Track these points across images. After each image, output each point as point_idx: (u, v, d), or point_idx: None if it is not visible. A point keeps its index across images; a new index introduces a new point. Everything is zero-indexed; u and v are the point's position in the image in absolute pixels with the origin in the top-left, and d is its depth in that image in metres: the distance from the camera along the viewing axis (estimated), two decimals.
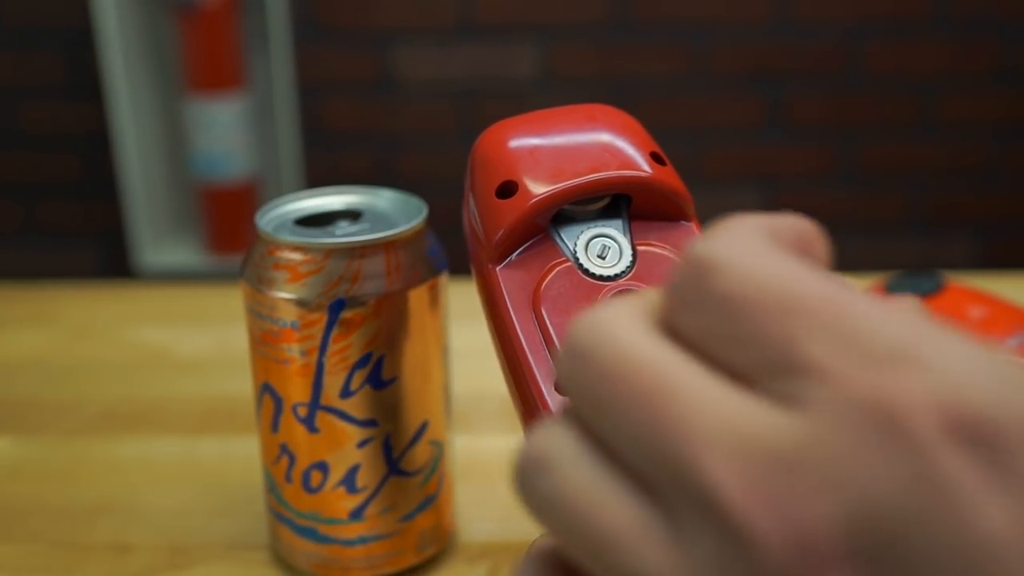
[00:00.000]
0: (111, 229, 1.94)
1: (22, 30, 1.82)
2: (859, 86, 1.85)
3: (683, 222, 0.31)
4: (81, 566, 0.40)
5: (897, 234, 1.93)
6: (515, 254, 0.30)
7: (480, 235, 0.30)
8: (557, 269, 0.30)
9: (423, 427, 0.37)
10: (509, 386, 0.30)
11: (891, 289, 0.53)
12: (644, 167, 0.30)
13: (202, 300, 0.66)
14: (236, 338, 0.60)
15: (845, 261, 1.97)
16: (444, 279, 0.37)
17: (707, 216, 1.95)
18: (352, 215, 0.38)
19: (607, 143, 0.31)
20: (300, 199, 0.39)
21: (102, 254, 1.96)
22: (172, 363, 0.58)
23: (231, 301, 0.66)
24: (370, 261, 0.34)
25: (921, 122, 1.87)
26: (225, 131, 1.71)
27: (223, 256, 1.80)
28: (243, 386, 0.55)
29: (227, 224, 1.78)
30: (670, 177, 0.31)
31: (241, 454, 0.48)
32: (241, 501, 0.45)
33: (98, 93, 1.84)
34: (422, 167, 1.89)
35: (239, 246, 1.80)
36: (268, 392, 0.37)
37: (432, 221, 1.92)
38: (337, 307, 0.34)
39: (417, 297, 0.35)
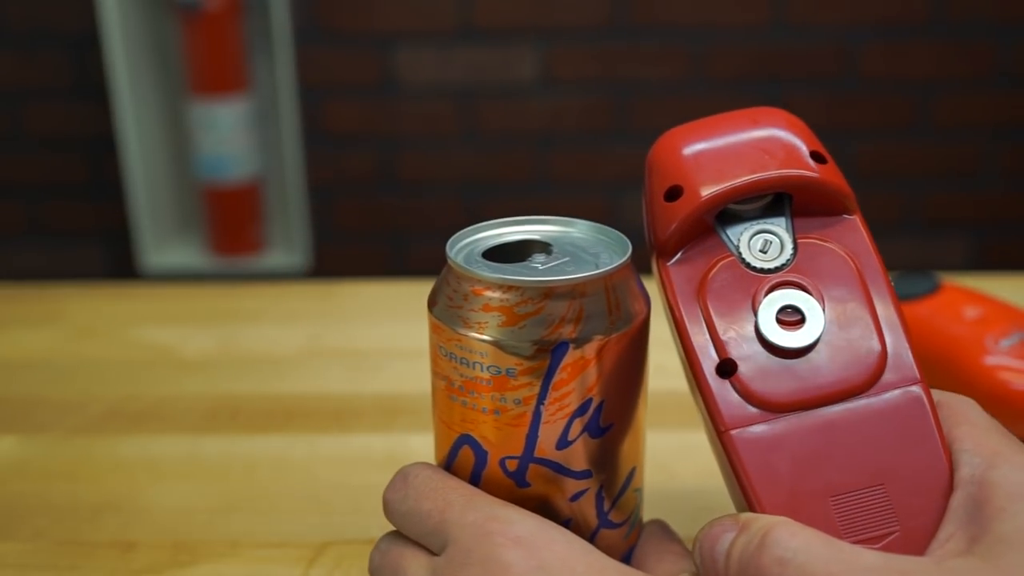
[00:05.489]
0: (115, 230, 1.94)
1: (27, 32, 1.83)
2: (855, 88, 1.85)
3: (845, 216, 0.33)
4: (85, 563, 0.41)
5: (893, 235, 1.94)
6: (683, 251, 0.33)
7: (652, 235, 0.33)
8: (721, 263, 0.32)
9: (631, 473, 0.35)
10: (684, 368, 0.33)
11: None
12: (802, 166, 0.32)
13: (206, 300, 0.66)
14: (239, 338, 0.61)
15: None
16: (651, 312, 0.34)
17: None
18: (542, 247, 0.34)
19: (768, 145, 0.33)
20: (481, 230, 0.35)
21: (107, 255, 1.96)
22: (176, 363, 0.58)
23: (234, 301, 0.66)
24: (591, 300, 0.31)
25: (917, 124, 1.87)
26: (228, 133, 1.72)
27: (227, 257, 1.80)
28: (246, 386, 0.55)
29: (231, 225, 1.79)
30: (829, 174, 0.33)
31: (243, 452, 0.49)
32: (244, 499, 0.45)
33: (103, 95, 1.85)
34: (423, 168, 1.90)
35: (242, 247, 1.80)
36: (468, 444, 0.33)
37: (432, 222, 1.92)
38: (561, 351, 0.31)
39: (634, 335, 0.33)
